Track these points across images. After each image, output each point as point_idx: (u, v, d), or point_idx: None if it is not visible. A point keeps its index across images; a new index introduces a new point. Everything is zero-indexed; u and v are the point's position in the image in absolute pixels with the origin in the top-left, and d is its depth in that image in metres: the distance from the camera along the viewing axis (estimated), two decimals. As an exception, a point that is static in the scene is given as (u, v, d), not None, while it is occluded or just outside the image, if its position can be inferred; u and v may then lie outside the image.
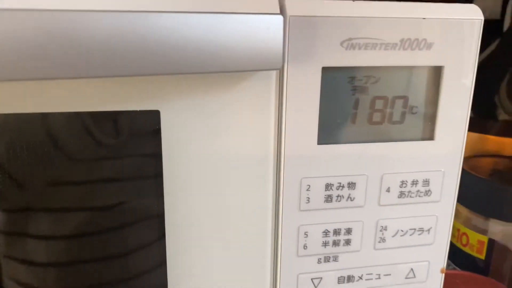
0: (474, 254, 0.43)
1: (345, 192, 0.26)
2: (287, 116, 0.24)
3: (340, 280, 0.28)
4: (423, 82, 0.26)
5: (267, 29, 0.21)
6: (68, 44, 0.18)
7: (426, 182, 0.27)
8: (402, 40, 0.24)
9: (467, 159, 0.47)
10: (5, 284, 0.25)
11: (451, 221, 0.28)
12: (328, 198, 0.26)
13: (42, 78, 0.19)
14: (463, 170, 0.43)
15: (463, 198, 0.44)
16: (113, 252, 0.26)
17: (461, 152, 0.27)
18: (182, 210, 0.25)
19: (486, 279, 0.40)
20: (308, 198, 0.26)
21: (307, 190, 0.26)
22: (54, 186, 0.24)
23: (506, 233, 0.42)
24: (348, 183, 0.26)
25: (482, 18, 0.25)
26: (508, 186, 0.40)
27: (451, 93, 0.26)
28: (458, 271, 0.43)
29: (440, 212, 0.28)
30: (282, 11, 0.22)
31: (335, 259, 0.27)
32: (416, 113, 0.26)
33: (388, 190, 0.26)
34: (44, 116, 0.22)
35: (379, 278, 0.28)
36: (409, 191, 0.27)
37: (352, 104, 0.25)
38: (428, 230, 0.28)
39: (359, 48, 0.24)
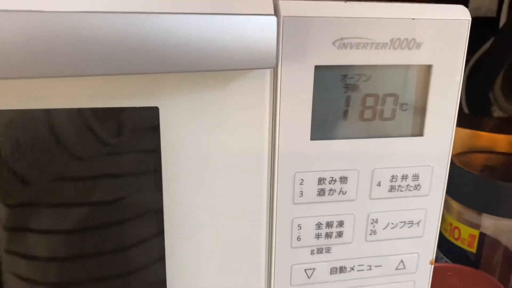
0: (466, 247, 0.44)
1: (337, 186, 0.26)
2: (281, 113, 0.25)
3: (333, 271, 0.28)
4: (412, 80, 0.26)
5: (261, 30, 0.21)
6: (71, 44, 0.19)
7: (416, 177, 0.27)
8: (392, 40, 0.24)
9: (460, 155, 0.48)
10: (5, 279, 0.25)
11: (439, 214, 0.29)
12: (321, 192, 0.26)
13: (46, 76, 0.19)
14: (456, 166, 0.44)
15: (455, 193, 0.44)
16: (113, 247, 0.26)
17: (449, 148, 0.27)
18: (179, 205, 0.25)
19: (477, 271, 0.40)
20: (302, 192, 0.26)
21: (301, 184, 0.26)
22: (55, 181, 0.24)
23: (498, 227, 0.42)
24: (340, 178, 0.26)
25: (470, 18, 0.25)
26: (499, 182, 0.41)
27: (439, 91, 0.26)
28: (450, 264, 0.44)
29: (429, 206, 0.28)
30: (276, 12, 0.23)
31: (328, 250, 0.27)
32: (406, 110, 0.26)
33: (379, 184, 0.27)
34: (47, 112, 0.23)
35: (370, 269, 0.28)
36: (399, 186, 0.27)
37: (344, 101, 0.25)
38: (418, 223, 0.28)
39: (351, 48, 0.24)
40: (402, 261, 0.29)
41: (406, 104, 0.26)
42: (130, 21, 0.19)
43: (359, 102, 0.26)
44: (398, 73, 0.26)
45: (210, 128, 0.24)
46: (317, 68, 0.24)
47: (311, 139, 0.25)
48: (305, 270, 0.28)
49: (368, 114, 0.26)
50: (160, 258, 0.26)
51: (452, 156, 0.46)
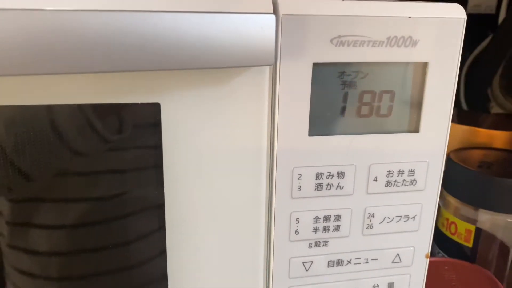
0: (462, 242, 0.44)
1: (335, 181, 0.27)
2: (279, 109, 0.25)
3: (330, 264, 0.28)
4: (409, 77, 0.26)
5: (261, 28, 0.21)
6: (74, 42, 0.19)
7: (412, 172, 0.28)
8: (388, 38, 0.25)
9: (457, 151, 0.48)
10: (7, 273, 0.26)
11: (435, 209, 0.29)
12: (319, 187, 0.27)
13: (48, 73, 0.20)
14: (453, 162, 0.44)
15: (453, 189, 0.45)
16: (115, 242, 0.26)
17: (445, 144, 0.28)
18: (180, 200, 0.26)
19: (472, 265, 0.41)
20: (300, 186, 0.26)
21: (299, 179, 0.26)
22: (57, 177, 0.24)
23: (494, 222, 0.42)
24: (338, 173, 0.27)
25: (465, 17, 0.26)
26: (496, 177, 0.41)
27: (435, 88, 0.26)
28: (446, 258, 0.44)
29: (424, 201, 0.28)
30: (275, 10, 0.23)
31: (325, 244, 0.28)
32: (402, 106, 0.27)
33: (375, 179, 0.27)
34: (49, 108, 0.23)
35: (367, 262, 0.29)
36: (395, 181, 0.27)
37: (342, 98, 0.26)
38: (414, 217, 0.28)
39: (348, 45, 0.24)
40: (398, 254, 0.29)
41: (402, 101, 0.27)
42: (131, 20, 0.20)
43: (356, 98, 0.26)
44: (394, 70, 0.26)
45: (210, 123, 0.25)
46: (315, 65, 0.25)
47: (309, 134, 0.26)
48: (303, 263, 0.28)
49: (365, 110, 0.26)
50: (161, 253, 0.26)
51: (450, 152, 0.47)
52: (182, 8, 0.21)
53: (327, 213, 0.27)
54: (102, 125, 0.24)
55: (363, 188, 0.27)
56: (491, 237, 0.42)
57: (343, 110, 0.26)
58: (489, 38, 0.62)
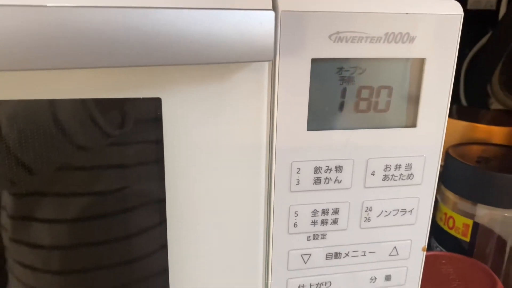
0: (460, 236, 0.44)
1: (333, 175, 0.27)
2: (279, 104, 0.25)
3: (328, 256, 0.29)
4: (406, 73, 0.26)
5: (260, 24, 0.22)
6: (76, 38, 0.19)
7: (409, 166, 0.28)
8: (386, 34, 0.25)
9: (456, 146, 0.48)
10: (10, 267, 0.26)
11: (432, 202, 0.29)
12: (317, 181, 0.27)
13: (50, 68, 0.20)
14: (452, 157, 0.45)
15: (451, 184, 0.45)
16: (116, 236, 0.26)
17: (442, 139, 0.28)
18: (181, 195, 0.26)
19: (470, 259, 0.41)
20: (298, 180, 0.27)
21: (297, 173, 0.26)
22: (59, 171, 0.24)
23: (492, 217, 0.43)
24: (336, 167, 0.27)
25: (462, 13, 0.26)
26: (494, 173, 0.42)
27: (432, 84, 0.27)
28: (444, 252, 0.44)
29: (421, 194, 0.29)
30: (274, 6, 0.23)
31: (323, 237, 0.28)
32: (399, 102, 0.27)
33: (373, 174, 0.27)
34: (51, 102, 0.23)
35: (365, 255, 0.29)
36: (393, 175, 0.28)
37: (340, 93, 0.26)
38: (411, 211, 0.29)
39: (346, 41, 0.25)
40: (395, 247, 0.30)
41: (400, 96, 0.27)
42: (133, 16, 0.20)
43: (354, 94, 0.26)
44: (392, 66, 0.26)
45: (211, 118, 0.25)
46: (314, 61, 0.25)
47: (308, 129, 0.26)
48: (301, 255, 0.28)
49: (363, 105, 0.26)
50: (163, 247, 0.27)
51: (448, 147, 0.47)
52: (182, 4, 0.21)
53: (325, 206, 0.28)
54: (103, 120, 0.24)
55: (360, 182, 0.28)
56: (489, 232, 0.43)
57: (341, 105, 0.26)
58: (489, 34, 0.62)
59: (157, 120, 0.24)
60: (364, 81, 0.26)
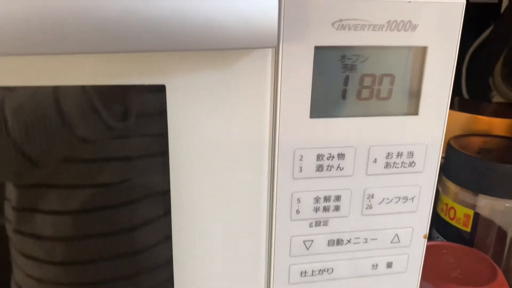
0: (461, 227, 0.44)
1: (335, 162, 0.27)
2: (282, 92, 0.25)
3: (330, 243, 0.29)
4: (408, 61, 0.26)
5: (264, 10, 0.22)
6: (79, 23, 0.19)
7: (410, 154, 0.28)
8: (389, 22, 0.25)
9: (458, 138, 0.48)
10: (14, 258, 0.26)
11: (433, 190, 0.29)
12: (319, 168, 0.27)
13: (54, 53, 0.20)
14: (453, 148, 0.45)
15: (452, 174, 0.45)
16: (121, 227, 0.26)
17: (443, 127, 0.28)
18: (185, 186, 0.26)
19: (470, 249, 0.42)
20: (301, 167, 0.27)
21: (300, 160, 0.27)
22: (63, 163, 0.25)
23: (493, 207, 0.43)
24: (338, 154, 0.27)
25: (464, 1, 0.26)
26: (495, 163, 0.42)
27: (434, 72, 0.27)
28: (445, 242, 0.45)
29: (423, 182, 0.29)
30: None
31: (325, 223, 0.28)
32: (401, 90, 0.27)
33: (375, 161, 0.28)
34: (55, 92, 0.23)
35: (366, 242, 0.29)
36: (395, 162, 0.28)
37: (342, 81, 0.26)
38: (412, 198, 0.29)
39: (349, 29, 0.25)
40: (397, 235, 0.30)
41: (402, 84, 0.27)
42: (136, 1, 0.20)
43: (357, 82, 0.26)
44: (394, 54, 0.26)
45: (214, 106, 0.25)
46: (317, 48, 0.25)
47: (311, 117, 0.26)
48: (303, 241, 0.28)
49: (365, 93, 0.27)
50: (167, 238, 0.27)
51: (450, 139, 0.48)
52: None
53: (327, 193, 0.28)
54: (108, 111, 0.24)
55: (362, 169, 0.28)
56: (489, 222, 0.43)
57: (344, 93, 0.26)
58: (491, 27, 0.62)
59: (162, 111, 0.24)
60: (367, 69, 0.26)
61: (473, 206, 0.44)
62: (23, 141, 0.24)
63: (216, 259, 0.28)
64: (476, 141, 0.48)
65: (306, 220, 0.28)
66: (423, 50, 0.26)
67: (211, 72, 0.25)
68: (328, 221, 0.28)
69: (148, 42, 0.21)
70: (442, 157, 0.29)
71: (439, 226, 0.47)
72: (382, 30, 0.25)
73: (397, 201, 0.29)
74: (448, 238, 0.46)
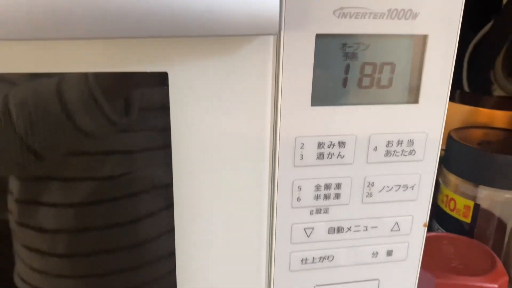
0: (461, 218, 0.45)
1: (336, 150, 0.27)
2: (283, 80, 0.25)
3: (330, 230, 0.29)
4: (409, 49, 0.27)
5: None
6: (82, 8, 0.20)
7: (411, 142, 0.28)
8: (389, 10, 0.25)
9: (458, 130, 0.49)
10: (16, 250, 0.26)
11: (433, 179, 0.29)
12: (320, 156, 0.27)
13: (57, 38, 0.20)
14: (454, 140, 0.45)
15: (453, 166, 0.46)
16: (124, 220, 0.26)
17: (443, 115, 0.28)
18: (187, 179, 0.26)
19: (470, 240, 0.42)
20: (302, 155, 0.27)
21: (301, 148, 0.27)
22: (66, 156, 0.25)
23: (493, 198, 0.43)
24: (339, 142, 0.27)
25: None
26: (495, 154, 0.42)
27: (434, 60, 0.27)
28: (445, 233, 0.45)
29: (423, 170, 0.29)
30: None
31: (326, 211, 0.28)
32: (402, 78, 0.27)
33: (375, 149, 0.28)
34: (59, 85, 0.23)
35: (366, 230, 0.29)
36: (395, 151, 0.28)
37: (343, 69, 0.26)
38: (412, 186, 0.29)
39: (350, 17, 0.25)
40: (397, 223, 0.30)
41: (403, 72, 0.27)
42: None
43: (357, 70, 0.26)
44: (395, 42, 0.26)
45: (216, 94, 0.25)
46: (318, 36, 0.25)
47: (312, 105, 0.26)
48: (304, 229, 0.29)
49: (366, 82, 0.27)
50: (170, 231, 0.27)
51: (450, 130, 0.48)
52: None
53: (328, 181, 0.28)
54: (110, 98, 0.24)
55: (363, 157, 0.28)
56: (489, 213, 0.43)
57: (345, 81, 0.27)
58: (492, 21, 0.62)
59: (164, 100, 0.24)
60: (368, 58, 0.26)
61: (473, 198, 0.44)
62: (27, 134, 0.24)
63: (218, 248, 0.28)
64: (477, 133, 0.48)
65: (307, 207, 0.28)
66: (424, 38, 0.26)
67: (213, 60, 0.25)
68: (328, 208, 0.29)
69: (150, 27, 0.21)
70: (442, 149, 0.29)
71: (440, 217, 0.47)
72: (383, 18, 0.25)
73: (397, 189, 0.29)
74: (448, 229, 0.46)
